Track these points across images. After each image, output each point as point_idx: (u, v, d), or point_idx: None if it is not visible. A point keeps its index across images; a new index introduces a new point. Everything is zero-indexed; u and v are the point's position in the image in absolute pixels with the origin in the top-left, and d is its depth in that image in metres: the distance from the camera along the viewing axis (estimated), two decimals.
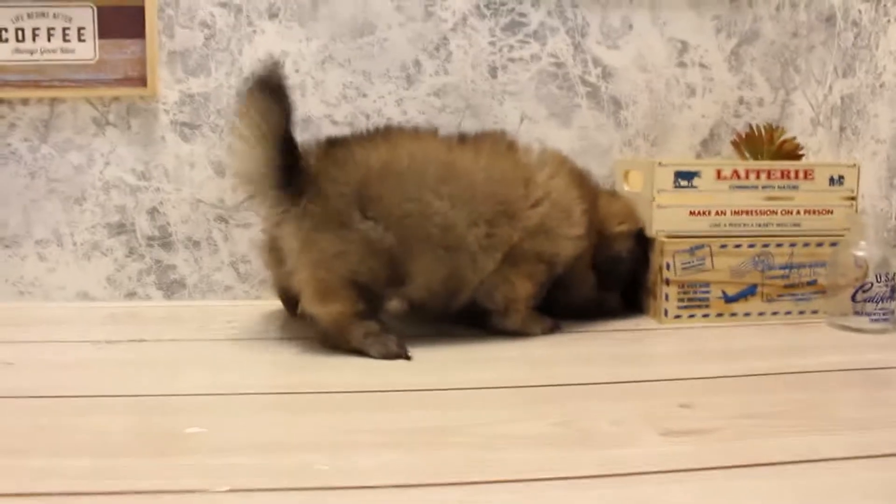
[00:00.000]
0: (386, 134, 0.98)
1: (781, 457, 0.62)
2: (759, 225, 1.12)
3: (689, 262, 1.09)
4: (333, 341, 0.93)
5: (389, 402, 0.76)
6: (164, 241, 1.23)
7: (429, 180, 0.94)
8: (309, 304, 0.94)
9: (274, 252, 1.01)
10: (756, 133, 1.21)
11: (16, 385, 0.81)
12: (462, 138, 1.02)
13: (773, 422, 0.71)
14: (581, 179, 1.08)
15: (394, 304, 1.04)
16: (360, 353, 0.91)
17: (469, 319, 1.03)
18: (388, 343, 0.91)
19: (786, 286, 1.12)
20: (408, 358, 0.90)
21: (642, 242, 1.11)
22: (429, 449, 0.64)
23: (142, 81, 1.19)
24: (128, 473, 0.59)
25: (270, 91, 0.90)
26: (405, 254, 0.93)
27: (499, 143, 1.03)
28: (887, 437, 0.68)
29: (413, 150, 0.96)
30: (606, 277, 1.09)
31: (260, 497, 0.55)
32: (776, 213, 1.12)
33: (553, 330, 1.04)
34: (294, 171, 0.91)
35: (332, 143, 0.97)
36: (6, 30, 1.17)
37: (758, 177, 1.12)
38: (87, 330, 1.04)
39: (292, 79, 1.21)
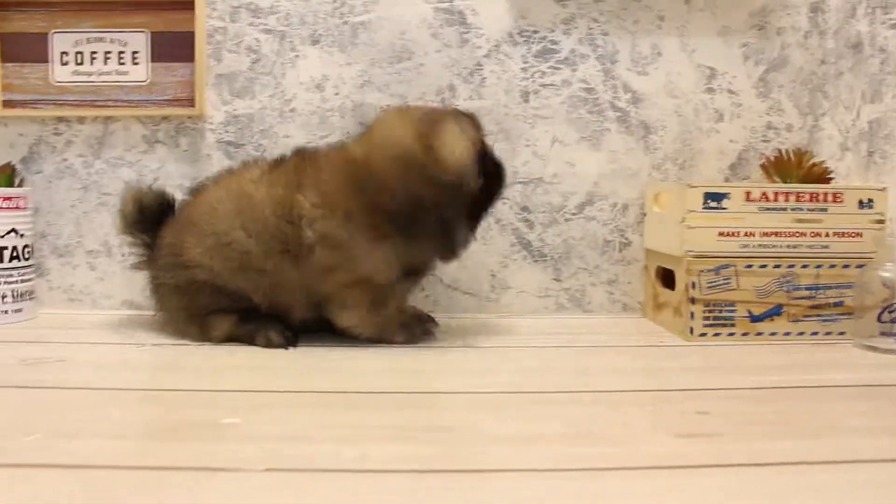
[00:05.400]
0: (204, 184, 1.12)
1: (778, 458, 0.64)
2: (789, 247, 1.13)
3: (714, 282, 1.11)
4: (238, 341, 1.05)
5: (402, 402, 0.80)
6: None
7: (229, 215, 1.03)
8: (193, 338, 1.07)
9: None
10: (785, 157, 1.23)
11: (67, 378, 0.87)
12: (275, 164, 1.07)
13: (780, 428, 0.72)
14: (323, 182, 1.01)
15: None
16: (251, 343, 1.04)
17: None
18: (270, 335, 1.03)
19: (811, 307, 1.13)
20: (293, 346, 1.03)
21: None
22: (440, 444, 0.67)
23: (190, 102, 1.25)
24: (170, 453, 0.63)
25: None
26: (229, 280, 1.02)
27: (288, 170, 1.04)
28: (886, 444, 0.69)
29: (220, 191, 1.06)
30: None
31: (293, 476, 0.59)
32: (805, 234, 1.13)
33: (413, 339, 1.06)
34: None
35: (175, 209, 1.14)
36: (67, 53, 1.25)
37: (787, 199, 1.13)
38: (133, 334, 1.10)
39: (331, 102, 1.27)
